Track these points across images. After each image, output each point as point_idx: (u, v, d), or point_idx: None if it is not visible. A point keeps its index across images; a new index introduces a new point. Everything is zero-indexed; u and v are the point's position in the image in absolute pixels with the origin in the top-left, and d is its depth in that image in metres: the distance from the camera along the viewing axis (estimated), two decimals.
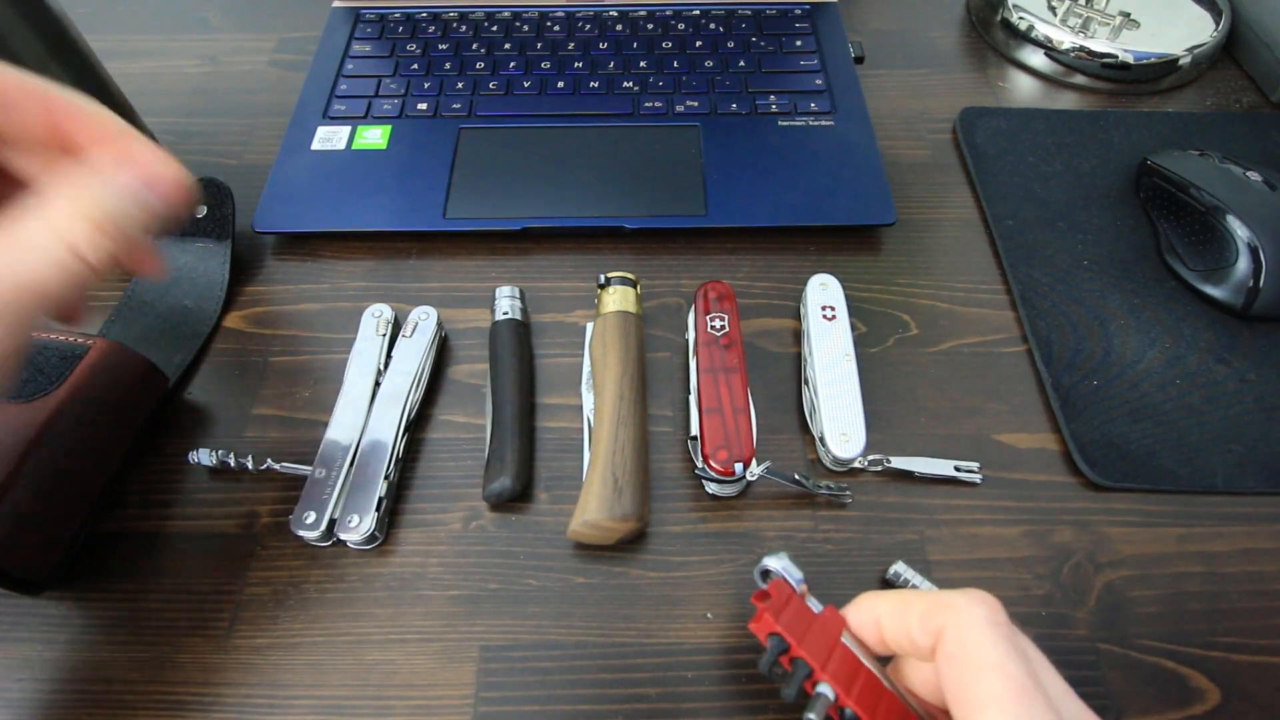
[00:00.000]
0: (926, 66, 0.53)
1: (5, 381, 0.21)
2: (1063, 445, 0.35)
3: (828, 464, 0.34)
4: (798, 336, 0.39)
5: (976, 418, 0.36)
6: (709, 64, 0.49)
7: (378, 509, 0.32)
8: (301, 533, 0.31)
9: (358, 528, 0.31)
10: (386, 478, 0.32)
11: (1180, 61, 0.49)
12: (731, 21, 0.52)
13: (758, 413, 0.35)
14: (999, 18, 0.53)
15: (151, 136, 0.42)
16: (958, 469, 0.34)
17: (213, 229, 0.41)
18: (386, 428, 0.34)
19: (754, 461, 0.32)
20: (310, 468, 0.32)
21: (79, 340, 0.33)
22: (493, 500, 0.33)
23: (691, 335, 0.37)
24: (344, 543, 0.32)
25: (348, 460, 0.33)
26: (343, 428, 0.34)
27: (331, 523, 0.31)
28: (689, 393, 0.36)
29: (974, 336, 0.39)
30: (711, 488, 0.33)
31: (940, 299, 0.40)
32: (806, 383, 0.36)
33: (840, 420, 0.34)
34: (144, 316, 0.39)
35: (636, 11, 0.53)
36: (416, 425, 0.36)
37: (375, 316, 0.37)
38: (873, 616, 0.24)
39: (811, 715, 0.22)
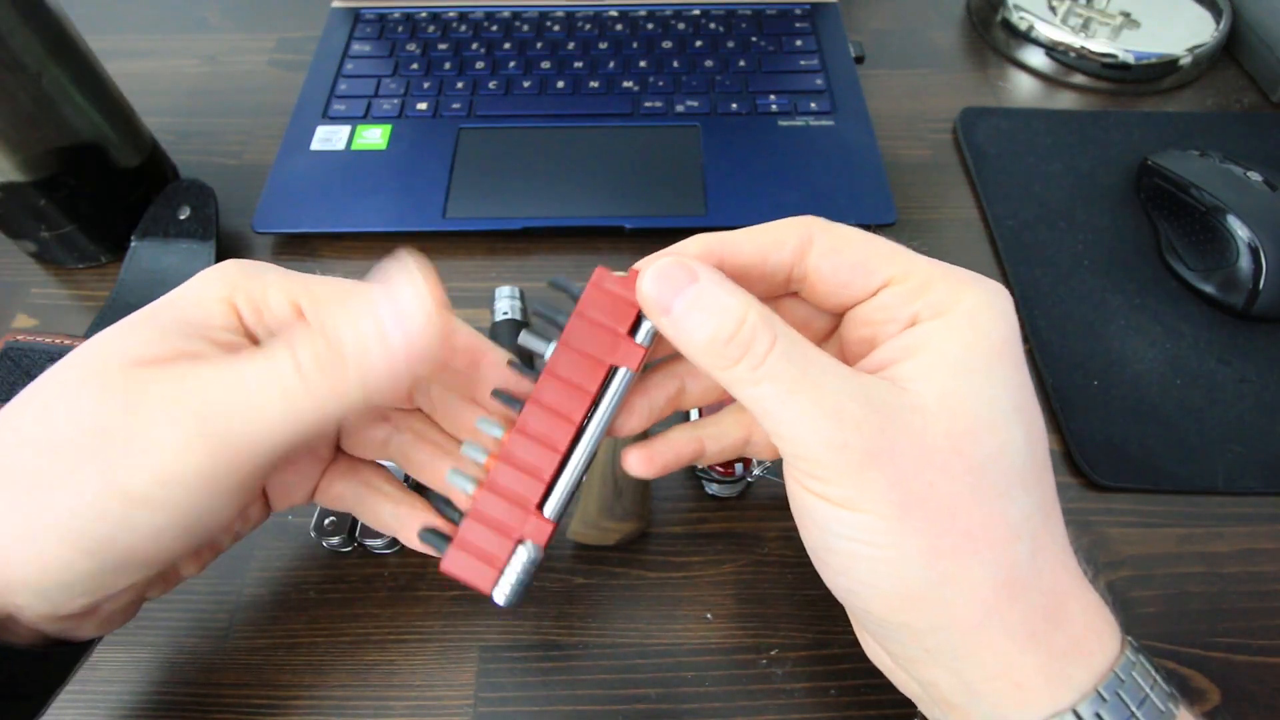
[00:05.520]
0: (926, 66, 0.53)
1: (222, 515, 0.21)
2: (1063, 445, 0.35)
3: None
4: None
5: None
6: (709, 64, 0.49)
7: None
8: (323, 540, 0.31)
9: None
10: (407, 478, 0.32)
11: (1180, 61, 0.49)
12: (731, 21, 0.52)
13: None
14: (999, 18, 0.53)
15: (152, 136, 0.43)
16: None
17: (197, 230, 0.41)
18: None
19: (754, 462, 0.32)
20: None
21: (64, 342, 0.33)
22: None
23: None
24: (364, 546, 0.32)
25: None
26: None
27: (353, 526, 0.31)
28: None
29: None
30: (711, 488, 0.33)
31: None
32: None
33: None
34: None
35: (636, 11, 0.53)
36: None
37: None
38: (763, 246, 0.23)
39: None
